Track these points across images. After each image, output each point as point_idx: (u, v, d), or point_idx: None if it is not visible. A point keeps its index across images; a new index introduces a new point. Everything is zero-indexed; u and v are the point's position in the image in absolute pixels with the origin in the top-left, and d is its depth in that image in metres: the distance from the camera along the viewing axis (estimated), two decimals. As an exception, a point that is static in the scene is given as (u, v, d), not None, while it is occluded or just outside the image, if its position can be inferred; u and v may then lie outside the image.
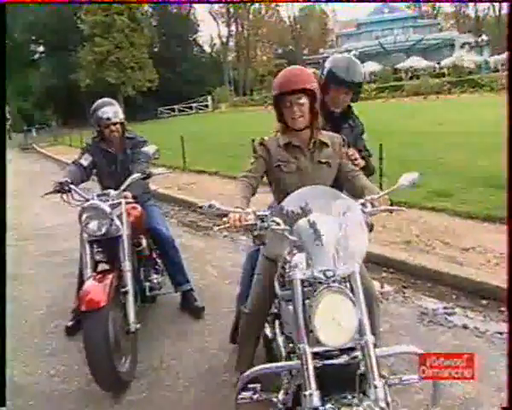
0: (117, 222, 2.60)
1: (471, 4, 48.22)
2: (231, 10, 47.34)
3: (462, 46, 35.21)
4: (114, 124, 3.03)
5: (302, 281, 1.56)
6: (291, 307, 1.61)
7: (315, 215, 1.63)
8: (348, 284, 1.56)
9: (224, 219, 1.67)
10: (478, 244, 4.01)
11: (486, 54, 34.60)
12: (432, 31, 42.14)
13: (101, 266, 2.73)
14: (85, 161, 3.06)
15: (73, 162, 3.09)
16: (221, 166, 9.08)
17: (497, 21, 44.02)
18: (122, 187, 2.73)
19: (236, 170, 7.93)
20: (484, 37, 36.26)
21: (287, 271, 1.64)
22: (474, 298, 3.25)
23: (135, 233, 2.87)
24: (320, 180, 1.94)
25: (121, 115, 3.09)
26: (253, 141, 2.39)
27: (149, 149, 2.98)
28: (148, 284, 3.06)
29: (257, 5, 47.40)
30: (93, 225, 2.54)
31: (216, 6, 46.68)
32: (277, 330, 2.14)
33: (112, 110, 3.04)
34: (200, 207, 1.70)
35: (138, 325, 2.56)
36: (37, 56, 41.96)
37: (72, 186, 2.75)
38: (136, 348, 2.63)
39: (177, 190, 7.89)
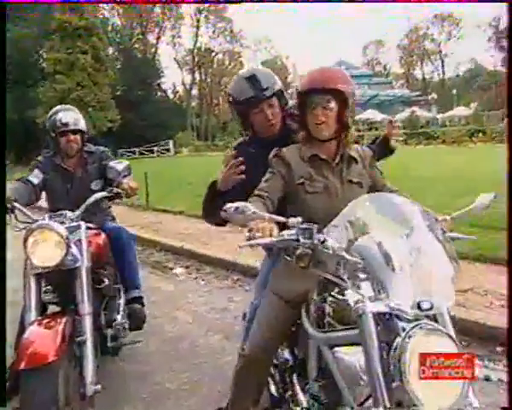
0: (74, 250, 2.02)
1: (418, 67, 52.14)
2: (196, 58, 48.34)
3: (413, 103, 37.64)
4: (73, 132, 2.52)
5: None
6: (342, 356, 1.19)
7: (380, 233, 1.21)
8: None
9: (251, 233, 1.25)
10: (475, 285, 3.74)
11: (434, 111, 37.14)
12: (385, 88, 44.89)
13: (52, 309, 2.14)
14: (35, 178, 2.50)
15: (19, 179, 2.52)
16: (187, 205, 8.58)
17: (442, 83, 47.72)
18: (82, 207, 2.19)
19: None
20: (434, 95, 38.98)
21: (353, 304, 1.17)
22: (487, 345, 2.90)
23: (96, 266, 2.29)
24: None
25: (82, 124, 2.59)
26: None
27: (118, 163, 2.45)
28: (110, 331, 2.42)
29: (220, 56, 48.86)
30: (42, 252, 1.93)
31: (181, 53, 47.65)
32: (297, 387, 1.65)
33: (72, 116, 2.54)
34: (225, 211, 1.25)
35: (98, 386, 1.94)
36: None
37: (16, 204, 2.19)
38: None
39: (139, 229, 7.26)
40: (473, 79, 43.14)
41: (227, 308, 3.72)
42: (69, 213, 2.15)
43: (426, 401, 1.00)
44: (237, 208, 1.23)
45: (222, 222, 2.01)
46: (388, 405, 1.05)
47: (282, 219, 1.30)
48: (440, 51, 45.63)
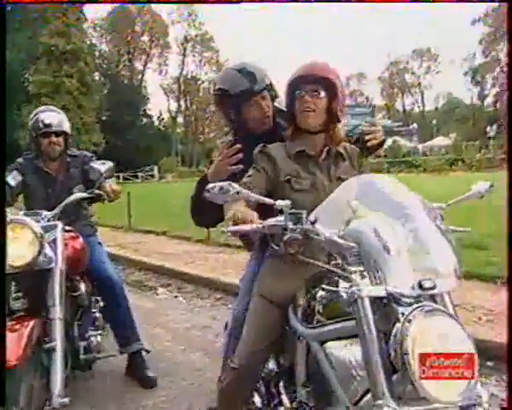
0: (48, 250, 1.89)
1: (399, 98, 53.66)
2: (182, 86, 48.83)
3: (395, 133, 38.55)
4: (56, 134, 2.41)
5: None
6: (335, 351, 1.12)
7: (374, 217, 1.15)
8: None
9: (236, 213, 1.22)
10: (463, 301, 3.69)
11: (416, 141, 38.05)
12: (367, 118, 45.95)
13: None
14: (13, 180, 2.37)
15: None
16: (170, 226, 8.42)
17: (422, 115, 49.17)
18: (59, 206, 2.07)
19: (187, 230, 7.41)
20: (415, 125, 40.03)
21: (347, 291, 1.08)
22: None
23: (72, 272, 2.15)
24: None
25: (67, 126, 2.49)
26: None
27: (100, 164, 2.35)
28: (83, 343, 2.26)
29: (206, 84, 49.41)
30: (13, 250, 1.76)
31: (167, 80, 48.07)
32: (283, 396, 1.54)
33: (56, 117, 2.44)
34: (207, 190, 1.17)
35: (66, 400, 1.76)
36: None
37: None
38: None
39: (120, 249, 7.06)
40: (451, 111, 44.62)
41: (208, 326, 3.57)
42: (46, 213, 2.03)
43: (432, 391, 0.92)
44: (221, 188, 1.15)
45: (211, 222, 1.91)
46: (388, 397, 0.96)
47: (269, 200, 1.23)
48: (420, 84, 47.27)
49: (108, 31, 43.01)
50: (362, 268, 1.09)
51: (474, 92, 42.75)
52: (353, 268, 1.08)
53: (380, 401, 0.96)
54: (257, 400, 1.71)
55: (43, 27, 29.30)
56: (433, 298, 1.08)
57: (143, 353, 2.61)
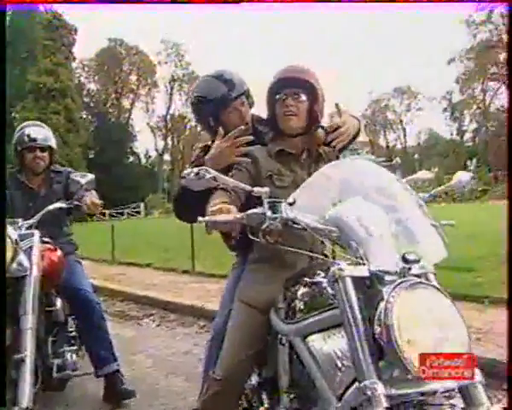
0: (23, 258, 1.82)
1: (382, 135, 55.06)
2: (169, 125, 49.43)
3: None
4: (41, 149, 2.39)
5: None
6: (317, 345, 1.10)
7: (356, 202, 1.13)
8: None
9: (213, 207, 1.18)
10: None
11: (399, 175, 38.68)
12: (351, 154, 46.83)
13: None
14: None
15: None
16: (154, 258, 8.30)
17: (404, 150, 50.40)
18: (37, 215, 2.02)
19: (172, 262, 7.32)
20: (398, 159, 40.80)
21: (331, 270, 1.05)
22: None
23: (48, 285, 2.07)
24: None
25: (52, 141, 2.48)
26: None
27: (81, 176, 2.31)
28: (57, 361, 2.15)
29: (193, 123, 50.17)
30: None
31: (154, 119, 48.58)
32: (266, 406, 1.49)
33: (41, 132, 2.43)
34: (183, 177, 1.14)
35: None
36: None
37: None
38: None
39: (103, 281, 6.89)
40: (432, 146, 45.93)
41: (191, 352, 3.45)
42: (23, 222, 1.98)
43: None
44: (197, 174, 1.13)
45: (195, 218, 1.86)
46: (375, 378, 0.91)
47: (247, 187, 1.22)
48: (401, 121, 48.74)
49: (96, 70, 43.70)
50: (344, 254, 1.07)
51: (453, 128, 44.22)
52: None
53: (365, 382, 0.91)
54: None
55: (32, 66, 29.63)
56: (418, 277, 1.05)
57: (119, 373, 2.50)
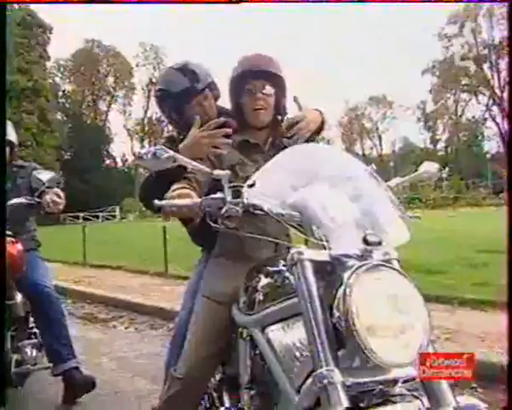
0: None
1: (358, 143, 56.02)
2: (146, 128, 48.86)
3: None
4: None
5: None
6: (276, 335, 1.05)
7: (316, 185, 1.09)
8: None
9: (172, 193, 1.15)
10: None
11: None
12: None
13: None
14: None
15: None
16: (126, 261, 8.11)
17: (380, 157, 51.35)
18: None
19: (144, 265, 7.19)
20: (373, 166, 41.48)
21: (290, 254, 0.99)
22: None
23: (6, 278, 1.97)
24: None
25: (13, 136, 2.38)
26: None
27: (44, 173, 2.25)
28: (15, 356, 2.08)
29: (170, 127, 49.63)
30: None
31: (131, 122, 47.91)
32: (226, 403, 1.43)
33: None
34: (139, 157, 1.08)
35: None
36: None
37: None
38: None
39: (73, 283, 6.68)
40: (407, 154, 46.92)
41: (159, 354, 3.31)
42: None
43: (382, 351, 0.84)
44: (154, 153, 1.07)
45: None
46: (333, 366, 0.85)
47: (207, 169, 1.16)
48: (377, 129, 49.66)
49: (72, 71, 42.81)
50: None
51: (427, 137, 45.35)
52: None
53: (321, 370, 0.85)
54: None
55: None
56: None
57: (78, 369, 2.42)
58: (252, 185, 1.07)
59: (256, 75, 1.51)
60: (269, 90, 1.52)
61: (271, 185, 1.12)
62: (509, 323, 1.67)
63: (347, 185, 1.11)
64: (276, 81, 1.54)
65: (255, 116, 1.53)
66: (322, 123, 1.70)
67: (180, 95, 1.70)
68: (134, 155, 49.57)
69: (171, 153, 1.08)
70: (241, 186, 1.10)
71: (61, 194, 2.30)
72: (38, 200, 2.16)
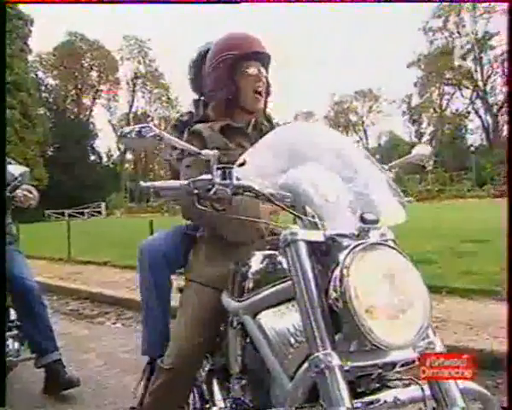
0: None
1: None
2: (131, 123, 48.30)
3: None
4: None
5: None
6: (269, 321, 1.01)
7: (309, 166, 1.04)
8: None
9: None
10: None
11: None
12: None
13: None
14: None
15: None
16: (112, 256, 7.98)
17: (366, 150, 51.82)
18: None
19: (130, 260, 7.09)
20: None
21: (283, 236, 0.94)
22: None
23: None
24: None
25: None
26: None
27: (15, 168, 2.22)
28: None
29: (156, 121, 49.22)
30: None
31: (116, 116, 47.27)
32: (217, 394, 1.38)
33: None
34: (123, 135, 1.01)
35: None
36: None
37: None
38: None
39: (58, 280, 6.55)
40: (393, 148, 47.36)
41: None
42: None
43: (382, 332, 0.80)
44: (139, 131, 1.01)
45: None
46: (330, 349, 0.81)
47: (195, 149, 1.11)
48: (363, 123, 49.96)
49: (55, 65, 41.93)
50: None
51: (412, 130, 45.79)
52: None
53: (318, 354, 0.80)
54: (189, 403, 1.51)
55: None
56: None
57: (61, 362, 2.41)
58: (242, 164, 1.03)
59: (255, 57, 1.47)
60: (265, 72, 1.49)
61: (261, 166, 1.07)
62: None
63: (341, 165, 1.07)
64: (267, 62, 1.50)
65: (256, 100, 1.49)
66: None
67: None
68: (119, 149, 49.00)
69: (157, 131, 1.02)
70: (231, 167, 1.05)
71: (33, 190, 2.29)
72: (9, 195, 2.15)
